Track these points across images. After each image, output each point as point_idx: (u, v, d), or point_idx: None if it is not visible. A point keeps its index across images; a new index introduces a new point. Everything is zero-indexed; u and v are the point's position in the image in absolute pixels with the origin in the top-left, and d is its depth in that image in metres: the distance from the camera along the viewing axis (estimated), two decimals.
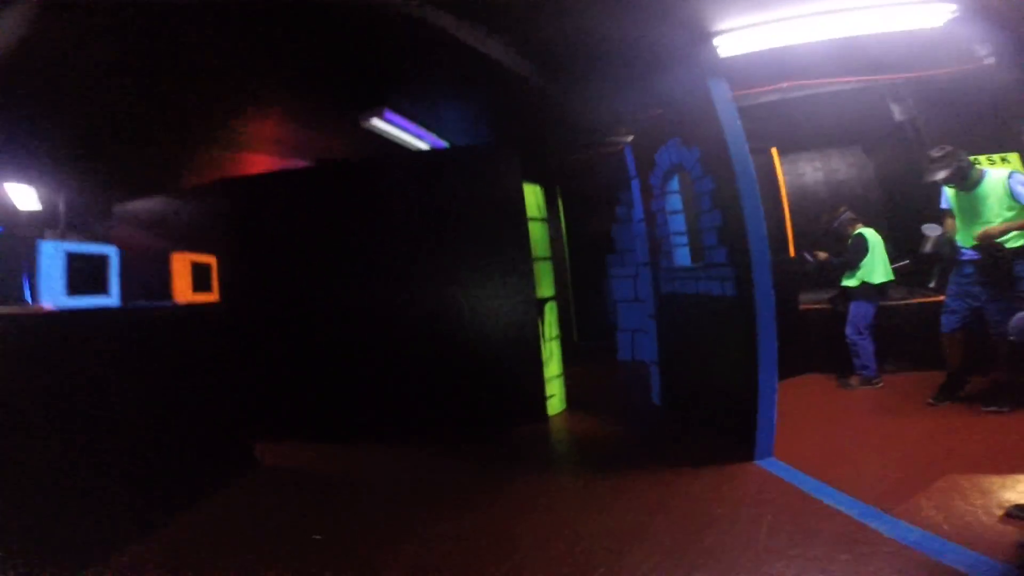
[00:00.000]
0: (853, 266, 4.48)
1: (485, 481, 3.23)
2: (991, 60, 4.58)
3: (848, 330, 4.44)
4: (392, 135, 4.71)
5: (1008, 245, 3.27)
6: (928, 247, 3.69)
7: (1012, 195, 3.25)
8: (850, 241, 4.55)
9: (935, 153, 3.46)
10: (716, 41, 3.31)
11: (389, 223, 4.32)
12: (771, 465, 2.96)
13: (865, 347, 4.38)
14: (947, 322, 3.62)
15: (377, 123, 4.53)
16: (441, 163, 4.56)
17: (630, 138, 4.52)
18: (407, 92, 4.34)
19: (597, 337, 7.84)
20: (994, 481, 2.46)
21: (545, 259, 4.71)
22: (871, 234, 4.53)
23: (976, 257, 3.42)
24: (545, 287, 4.64)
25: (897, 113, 5.35)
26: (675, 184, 4.06)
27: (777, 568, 1.97)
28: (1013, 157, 4.88)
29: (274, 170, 4.60)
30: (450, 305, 4.25)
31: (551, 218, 5.88)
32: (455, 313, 4.25)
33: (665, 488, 2.82)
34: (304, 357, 4.35)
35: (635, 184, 4.54)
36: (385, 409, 4.26)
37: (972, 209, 3.44)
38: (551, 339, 4.67)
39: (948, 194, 3.67)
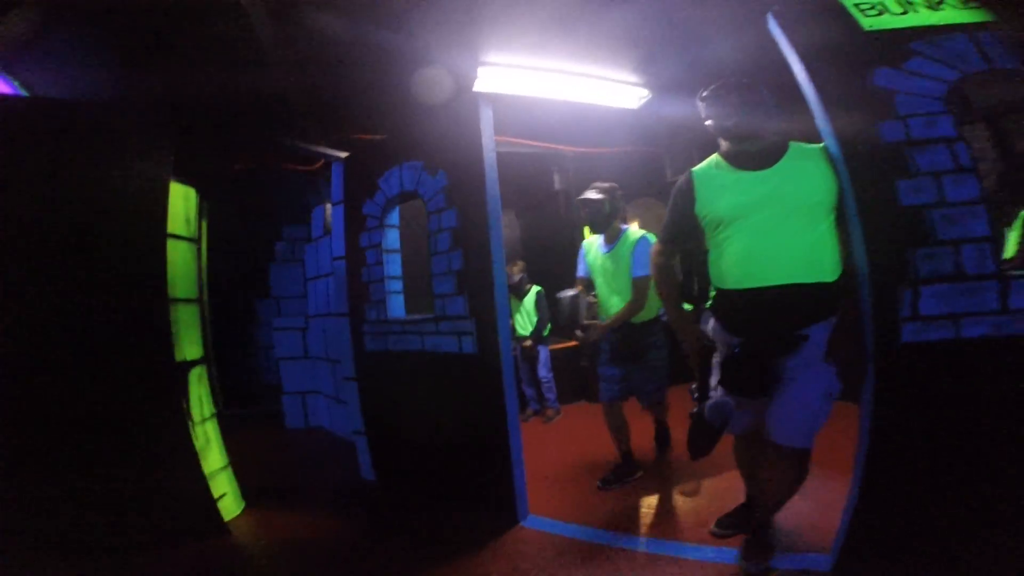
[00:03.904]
0: None
1: None
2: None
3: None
4: None
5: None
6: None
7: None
8: None
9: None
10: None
11: None
12: (537, 523, 2.70)
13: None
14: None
15: None
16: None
17: (344, 155, 3.55)
18: None
19: (249, 402, 6.21)
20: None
21: (190, 302, 3.17)
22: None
23: None
24: (190, 344, 3.07)
25: (557, 182, 5.90)
26: (396, 217, 3.34)
27: None
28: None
29: None
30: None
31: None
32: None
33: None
34: None
35: (338, 212, 3.57)
36: None
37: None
38: (205, 420, 3.12)
39: None
